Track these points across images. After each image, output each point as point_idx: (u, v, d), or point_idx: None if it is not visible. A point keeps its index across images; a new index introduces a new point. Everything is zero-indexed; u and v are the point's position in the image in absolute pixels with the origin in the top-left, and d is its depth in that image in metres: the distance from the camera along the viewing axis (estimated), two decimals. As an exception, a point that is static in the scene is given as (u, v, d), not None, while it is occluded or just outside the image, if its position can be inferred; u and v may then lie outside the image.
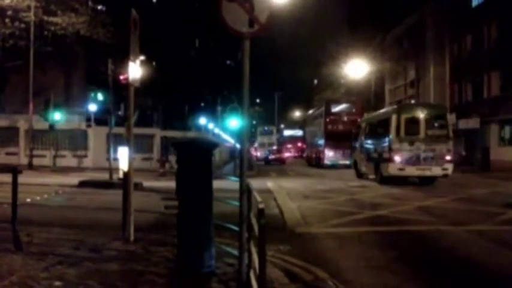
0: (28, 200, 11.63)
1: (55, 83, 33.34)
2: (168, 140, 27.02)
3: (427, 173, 18.65)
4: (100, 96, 21.96)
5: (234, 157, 27.30)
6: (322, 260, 6.56)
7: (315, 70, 78.57)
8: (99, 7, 35.38)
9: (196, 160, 5.32)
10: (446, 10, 40.43)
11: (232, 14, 5.03)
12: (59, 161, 27.63)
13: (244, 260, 4.94)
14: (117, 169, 17.85)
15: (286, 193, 15.21)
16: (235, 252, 5.33)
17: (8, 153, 29.33)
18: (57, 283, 4.97)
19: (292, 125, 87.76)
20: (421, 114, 19.08)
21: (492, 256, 7.15)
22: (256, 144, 63.56)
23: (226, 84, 64.68)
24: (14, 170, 6.56)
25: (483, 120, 33.66)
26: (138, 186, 13.89)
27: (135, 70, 7.12)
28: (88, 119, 25.13)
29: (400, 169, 18.53)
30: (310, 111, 52.47)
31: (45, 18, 27.33)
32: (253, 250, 4.52)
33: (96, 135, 28.97)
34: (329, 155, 35.96)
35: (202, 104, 67.67)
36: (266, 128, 66.95)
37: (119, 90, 19.57)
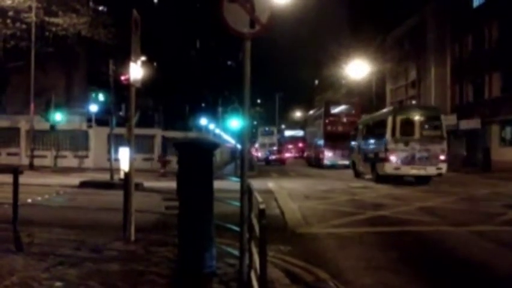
0: (29, 200, 11.64)
1: (56, 83, 33.34)
2: (167, 139, 27.02)
3: (422, 172, 19.19)
4: (101, 97, 21.99)
5: (235, 157, 27.31)
6: (323, 260, 6.56)
7: (315, 71, 78.61)
8: (100, 8, 35.39)
9: (197, 160, 5.32)
10: (447, 11, 40.41)
11: (233, 14, 5.03)
12: (60, 162, 27.65)
13: (245, 260, 4.94)
14: (118, 169, 17.86)
15: (287, 193, 15.21)
16: (236, 252, 5.33)
17: (9, 154, 29.36)
18: (58, 283, 4.97)
19: (293, 125, 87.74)
20: (415, 116, 19.79)
21: (493, 257, 7.14)
22: (257, 145, 63.54)
23: (227, 84, 64.70)
24: (15, 171, 6.56)
25: (484, 120, 33.65)
26: (138, 187, 13.91)
27: (136, 71, 7.12)
28: (89, 120, 25.17)
29: (396, 168, 19.13)
30: (311, 112, 52.63)
31: (47, 19, 27.34)
32: (254, 250, 4.52)
33: (97, 136, 29.00)
34: (328, 155, 36.38)
35: (203, 105, 67.68)
36: (267, 129, 66.98)
37: (120, 91, 19.58)
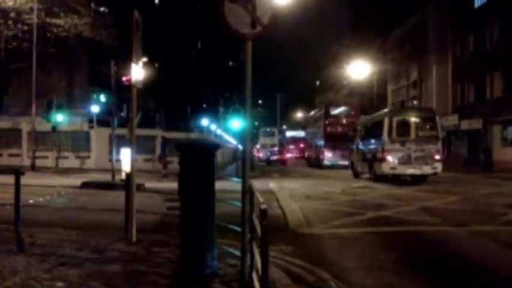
0: (31, 201, 11.64)
1: (58, 84, 33.39)
2: (168, 140, 27.03)
3: (418, 171, 19.74)
4: (102, 98, 22.06)
5: (236, 158, 27.32)
6: (324, 260, 6.55)
7: (317, 71, 78.59)
8: (102, 9, 35.47)
9: (198, 161, 5.32)
10: (449, 11, 40.39)
11: (235, 15, 5.02)
12: (62, 162, 27.67)
13: (246, 260, 4.94)
14: (119, 170, 17.86)
15: (288, 194, 15.20)
16: (238, 253, 5.33)
17: (10, 155, 29.35)
18: (60, 284, 4.98)
19: (295, 126, 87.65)
20: (411, 117, 20.52)
21: (495, 257, 7.13)
22: (258, 145, 63.60)
23: (228, 85, 64.81)
24: (17, 171, 6.57)
25: (486, 120, 33.63)
26: (140, 187, 13.92)
27: (138, 72, 7.12)
28: (90, 121, 25.23)
29: (393, 168, 19.76)
30: (311, 113, 52.84)
31: (48, 20, 27.38)
32: (256, 251, 4.52)
33: (98, 137, 29.01)
34: (328, 155, 36.98)
35: (205, 105, 67.76)
36: (268, 130, 67.12)
37: (121, 92, 19.63)
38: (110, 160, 19.73)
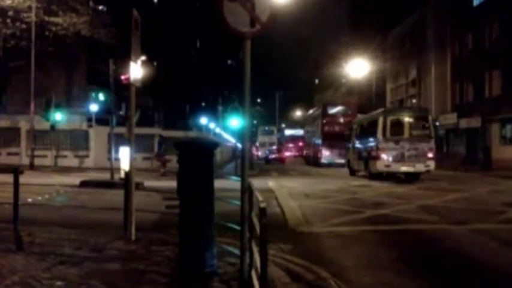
0: (29, 200, 11.65)
1: (56, 83, 33.37)
2: (165, 139, 27.04)
3: (411, 169, 20.21)
4: (101, 97, 22.07)
5: (235, 157, 27.33)
6: (323, 259, 6.56)
7: (316, 70, 78.58)
8: (100, 7, 35.45)
9: (197, 160, 5.32)
10: (448, 9, 40.38)
11: (234, 13, 5.02)
12: (60, 161, 27.65)
13: (245, 259, 4.94)
14: (118, 169, 17.86)
15: (287, 192, 15.21)
16: (237, 251, 5.33)
17: (9, 154, 29.36)
18: (59, 283, 4.98)
19: (293, 124, 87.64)
20: (405, 117, 21.12)
21: (494, 255, 7.14)
22: (257, 144, 63.61)
23: (227, 84, 64.78)
24: (16, 170, 6.57)
25: (484, 119, 33.66)
26: (139, 186, 13.92)
27: (136, 70, 7.12)
28: (89, 119, 25.21)
29: (387, 166, 20.31)
30: (309, 112, 52.99)
31: (46, 18, 27.34)
32: (255, 249, 4.52)
33: (97, 135, 29.01)
34: (326, 154, 37.49)
35: (203, 104, 67.74)
36: (267, 128, 67.12)
37: (120, 91, 19.60)
38: (109, 159, 19.73)
